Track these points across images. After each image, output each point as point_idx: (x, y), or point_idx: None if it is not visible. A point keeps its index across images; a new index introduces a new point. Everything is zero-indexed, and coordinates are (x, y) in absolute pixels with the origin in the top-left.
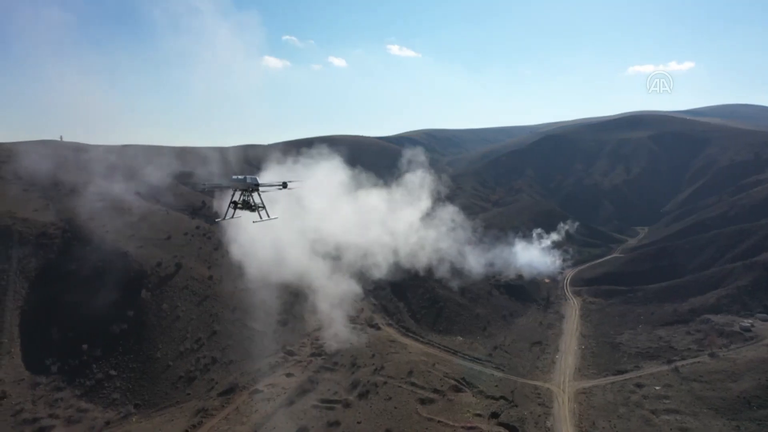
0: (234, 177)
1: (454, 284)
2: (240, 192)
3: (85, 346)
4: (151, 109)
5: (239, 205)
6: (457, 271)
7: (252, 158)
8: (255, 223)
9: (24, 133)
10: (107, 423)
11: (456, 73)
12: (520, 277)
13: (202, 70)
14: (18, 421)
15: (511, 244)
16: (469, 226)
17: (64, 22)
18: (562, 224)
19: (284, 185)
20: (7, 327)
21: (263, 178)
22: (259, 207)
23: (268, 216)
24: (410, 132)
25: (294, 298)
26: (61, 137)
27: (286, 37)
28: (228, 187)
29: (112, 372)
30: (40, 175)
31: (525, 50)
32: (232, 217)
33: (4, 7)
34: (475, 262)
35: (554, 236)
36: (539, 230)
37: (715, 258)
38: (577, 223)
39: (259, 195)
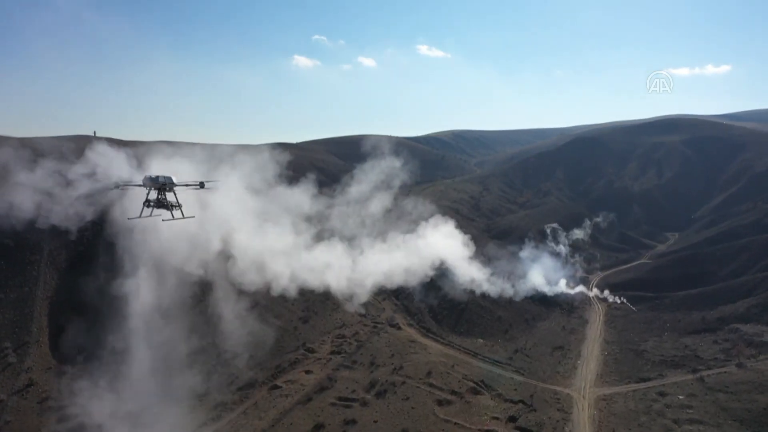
0: (146, 176)
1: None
2: (156, 191)
3: (110, 337)
4: (184, 106)
5: (152, 204)
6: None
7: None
8: (165, 221)
9: (57, 128)
10: (129, 413)
11: (486, 73)
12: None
13: (236, 69)
14: (43, 409)
15: (532, 253)
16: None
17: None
18: (588, 221)
19: (201, 185)
20: (37, 317)
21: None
22: (173, 205)
23: (183, 215)
24: (439, 132)
25: (315, 296)
26: (94, 133)
27: (316, 37)
28: (142, 186)
29: (136, 364)
30: (73, 169)
31: (557, 52)
32: (150, 215)
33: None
34: (486, 279)
35: (579, 233)
36: (555, 225)
37: (747, 267)
38: (613, 214)
39: (175, 194)
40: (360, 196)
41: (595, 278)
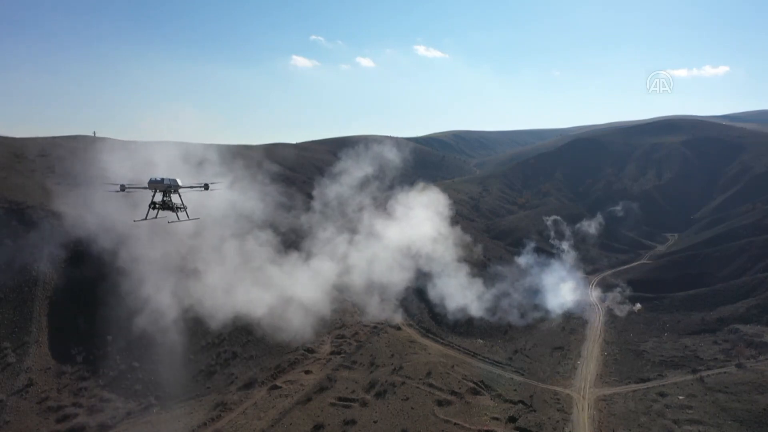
0: (152, 178)
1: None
2: (161, 193)
3: (109, 337)
4: (184, 107)
5: (158, 206)
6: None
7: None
8: (170, 223)
9: (58, 128)
10: (128, 413)
11: (484, 74)
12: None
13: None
14: (43, 409)
15: (532, 258)
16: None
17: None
18: (599, 214)
19: (206, 187)
20: (36, 317)
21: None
22: (179, 207)
23: (188, 217)
24: (439, 133)
25: (315, 295)
26: (94, 133)
27: (313, 37)
28: (147, 188)
29: (135, 363)
30: (73, 169)
31: (554, 52)
32: (155, 217)
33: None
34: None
35: (590, 224)
36: (557, 217)
37: (746, 267)
38: (636, 204)
39: (180, 196)
40: (346, 197)
41: (595, 278)
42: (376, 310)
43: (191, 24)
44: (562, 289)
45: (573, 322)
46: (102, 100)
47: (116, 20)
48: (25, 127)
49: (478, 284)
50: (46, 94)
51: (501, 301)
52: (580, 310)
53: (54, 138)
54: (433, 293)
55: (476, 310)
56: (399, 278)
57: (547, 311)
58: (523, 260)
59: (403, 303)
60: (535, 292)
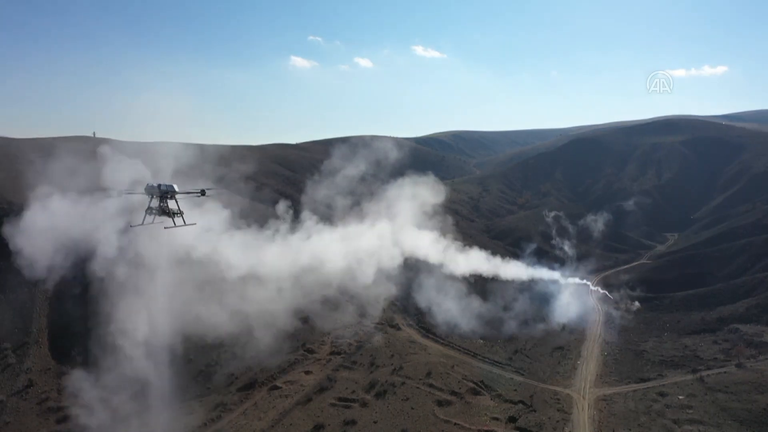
0: (148, 184)
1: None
2: (157, 198)
3: (110, 338)
4: (185, 106)
5: (155, 212)
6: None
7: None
8: (167, 229)
9: (58, 128)
10: (129, 414)
11: (483, 74)
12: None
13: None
14: (43, 409)
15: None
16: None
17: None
18: (605, 212)
19: (202, 192)
20: (36, 317)
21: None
22: (175, 213)
23: (184, 222)
24: (438, 133)
25: (316, 296)
26: (94, 133)
27: (311, 38)
28: (144, 194)
29: (135, 364)
30: (72, 170)
31: (551, 53)
32: (152, 222)
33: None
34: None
35: (596, 219)
36: (558, 213)
37: (746, 267)
38: (649, 200)
39: (176, 201)
40: (343, 196)
41: (596, 278)
42: (373, 311)
43: (190, 24)
44: (563, 291)
45: (573, 322)
46: (101, 101)
47: (115, 20)
48: (25, 128)
49: (475, 298)
50: (45, 95)
51: (500, 313)
52: (580, 310)
53: (54, 138)
54: (426, 302)
55: (474, 324)
56: (398, 279)
57: (548, 320)
58: (523, 263)
59: (403, 303)
60: (537, 297)
